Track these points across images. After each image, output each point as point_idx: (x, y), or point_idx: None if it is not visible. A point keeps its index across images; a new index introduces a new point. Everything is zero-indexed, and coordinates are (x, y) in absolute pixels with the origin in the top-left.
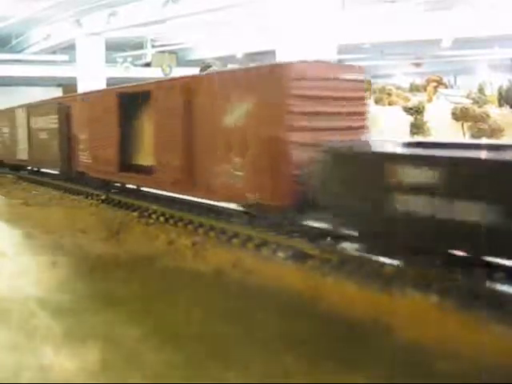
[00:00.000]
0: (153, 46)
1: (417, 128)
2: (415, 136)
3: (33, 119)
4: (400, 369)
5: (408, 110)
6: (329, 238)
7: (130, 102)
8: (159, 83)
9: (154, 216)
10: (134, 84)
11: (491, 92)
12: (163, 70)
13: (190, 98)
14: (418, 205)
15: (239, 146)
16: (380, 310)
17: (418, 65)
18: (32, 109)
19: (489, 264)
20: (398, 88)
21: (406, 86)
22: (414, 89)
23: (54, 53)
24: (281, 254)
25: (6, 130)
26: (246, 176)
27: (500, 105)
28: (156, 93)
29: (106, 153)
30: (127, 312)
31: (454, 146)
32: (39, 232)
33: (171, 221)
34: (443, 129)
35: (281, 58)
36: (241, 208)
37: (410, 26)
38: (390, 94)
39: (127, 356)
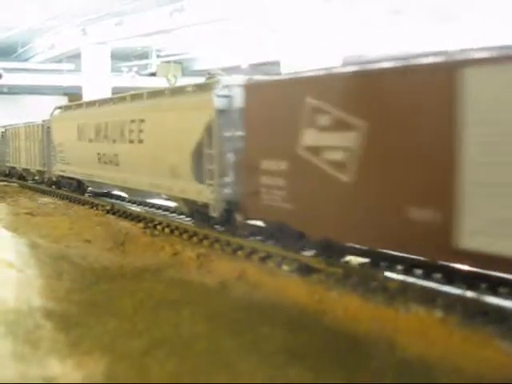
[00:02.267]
0: (158, 56)
1: None
2: None
3: None
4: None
5: None
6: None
7: None
8: None
9: (159, 227)
10: None
11: None
12: (168, 79)
13: None
14: None
15: None
16: (384, 325)
17: None
18: None
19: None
20: None
21: None
22: None
23: (59, 62)
24: (285, 267)
25: None
26: None
27: None
28: None
29: None
30: (133, 323)
31: None
32: (45, 242)
33: (176, 232)
34: None
35: (285, 68)
36: None
37: (416, 38)
38: None
39: (133, 368)
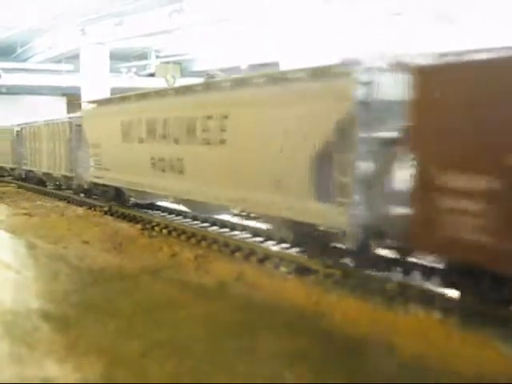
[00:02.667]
0: (157, 57)
1: None
2: None
3: None
4: None
5: None
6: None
7: None
8: None
9: (157, 228)
10: None
11: None
12: (167, 80)
13: None
14: None
15: None
16: (383, 326)
17: None
18: None
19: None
20: None
21: None
22: None
23: (58, 62)
24: (283, 268)
25: None
26: None
27: None
28: None
29: None
30: (131, 325)
31: None
32: (43, 243)
33: (174, 233)
34: None
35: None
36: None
37: (416, 38)
38: None
39: (131, 369)
